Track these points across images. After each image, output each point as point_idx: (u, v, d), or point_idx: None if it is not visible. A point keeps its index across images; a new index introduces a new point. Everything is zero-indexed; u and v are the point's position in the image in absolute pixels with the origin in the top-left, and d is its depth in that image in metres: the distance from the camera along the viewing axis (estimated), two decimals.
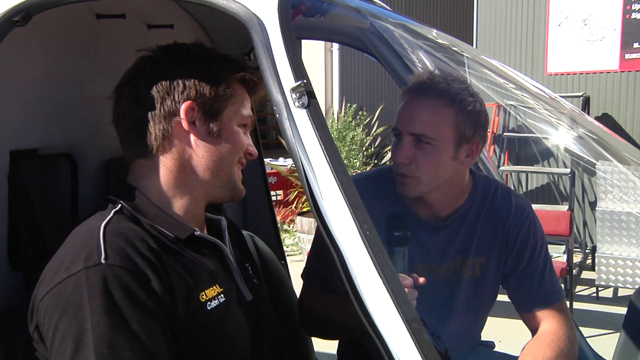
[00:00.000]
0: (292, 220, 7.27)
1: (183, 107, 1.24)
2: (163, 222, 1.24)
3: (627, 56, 6.05)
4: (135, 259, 1.13)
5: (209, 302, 1.22)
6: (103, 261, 1.09)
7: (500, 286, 1.86)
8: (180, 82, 1.24)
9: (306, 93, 1.12)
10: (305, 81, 1.12)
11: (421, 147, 1.64)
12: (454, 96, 1.64)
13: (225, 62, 1.31)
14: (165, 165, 1.27)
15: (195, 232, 1.27)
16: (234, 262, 1.36)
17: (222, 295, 1.26)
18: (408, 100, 1.70)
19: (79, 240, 1.15)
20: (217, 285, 1.26)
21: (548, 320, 1.73)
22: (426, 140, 1.63)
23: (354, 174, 3.15)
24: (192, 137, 1.26)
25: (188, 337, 1.17)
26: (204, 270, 1.26)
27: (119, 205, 1.23)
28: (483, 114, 1.69)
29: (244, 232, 1.70)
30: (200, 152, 1.27)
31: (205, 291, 1.23)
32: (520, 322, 1.82)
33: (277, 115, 1.14)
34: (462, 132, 1.65)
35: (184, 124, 1.25)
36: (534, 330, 1.75)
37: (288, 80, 1.13)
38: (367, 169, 5.93)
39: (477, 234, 1.78)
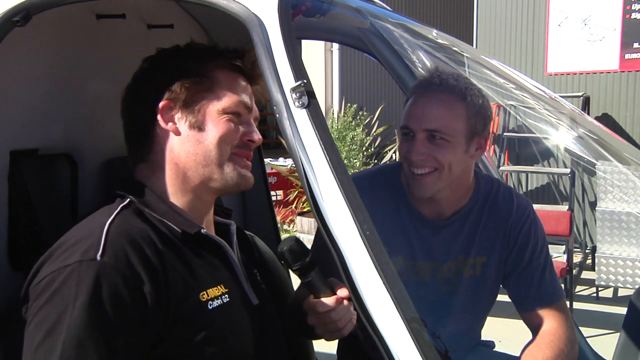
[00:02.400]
0: (292, 220, 7.27)
1: (159, 109, 1.27)
2: (171, 218, 1.26)
3: (627, 56, 6.05)
4: (133, 260, 1.13)
5: (210, 302, 1.22)
6: (99, 258, 1.10)
7: (501, 286, 1.86)
8: (156, 84, 1.29)
9: (306, 93, 1.12)
10: (305, 81, 1.12)
11: (435, 142, 1.65)
12: (465, 91, 1.67)
13: (202, 53, 1.31)
14: (162, 166, 1.29)
15: (202, 230, 1.28)
16: (240, 265, 1.36)
17: (226, 295, 1.26)
18: (418, 97, 1.70)
19: (84, 232, 1.17)
20: (221, 286, 1.26)
21: (548, 320, 1.73)
22: (440, 136, 1.64)
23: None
24: (177, 135, 1.28)
25: (185, 336, 1.17)
26: (207, 269, 1.27)
27: (127, 200, 1.24)
28: (489, 109, 1.73)
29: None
30: (187, 148, 1.27)
31: (208, 290, 1.23)
32: (521, 322, 1.82)
33: (277, 115, 1.14)
34: (474, 126, 1.68)
35: (163, 124, 1.27)
36: (534, 329, 1.76)
37: (288, 80, 1.14)
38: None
39: (478, 232, 1.78)
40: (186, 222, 1.27)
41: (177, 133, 1.27)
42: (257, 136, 1.31)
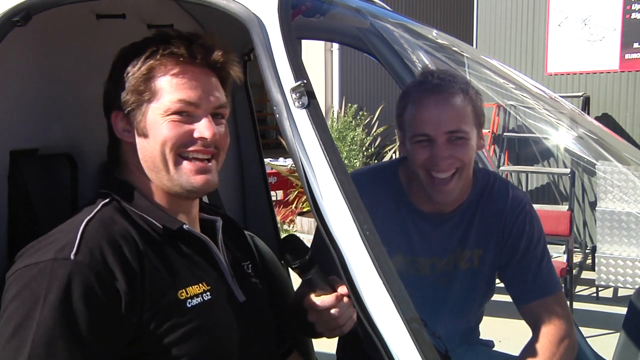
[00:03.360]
0: (292, 220, 7.28)
1: (112, 119, 1.28)
2: (153, 214, 1.25)
3: (627, 56, 6.05)
4: (108, 258, 1.12)
5: (189, 300, 1.21)
6: (72, 257, 1.09)
7: (502, 285, 1.86)
8: (109, 96, 1.28)
9: (306, 93, 1.12)
10: (305, 81, 1.12)
11: (456, 143, 1.65)
12: (466, 86, 1.68)
13: (145, 49, 1.25)
14: (133, 169, 1.29)
15: (184, 226, 1.27)
16: (226, 261, 1.35)
17: (207, 293, 1.25)
18: (425, 101, 1.66)
19: (62, 230, 1.17)
20: (203, 283, 1.25)
21: (544, 315, 1.72)
22: (460, 135, 1.64)
23: None
24: (132, 144, 1.27)
25: (162, 334, 1.17)
26: (189, 267, 1.26)
27: (109, 198, 1.24)
28: (481, 98, 1.74)
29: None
30: (140, 155, 1.26)
31: (187, 288, 1.22)
32: (520, 322, 1.82)
33: (277, 116, 1.14)
34: (479, 118, 1.69)
35: (117, 134, 1.28)
36: (531, 324, 1.76)
37: (288, 80, 1.14)
38: None
39: (475, 225, 1.79)
40: (169, 218, 1.26)
41: (131, 142, 1.27)
42: (208, 131, 1.23)
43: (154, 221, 1.24)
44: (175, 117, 1.22)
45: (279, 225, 2.40)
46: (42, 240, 1.16)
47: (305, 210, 7.08)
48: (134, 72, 1.24)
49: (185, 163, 1.24)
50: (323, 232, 1.09)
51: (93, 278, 1.09)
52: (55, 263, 1.09)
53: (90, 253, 1.11)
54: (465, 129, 1.64)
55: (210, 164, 1.27)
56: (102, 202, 1.23)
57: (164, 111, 1.22)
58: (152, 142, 1.23)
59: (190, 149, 1.24)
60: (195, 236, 1.30)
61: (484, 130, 1.75)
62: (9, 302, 1.09)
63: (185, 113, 1.23)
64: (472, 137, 1.66)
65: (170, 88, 1.23)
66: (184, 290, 1.21)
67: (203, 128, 1.23)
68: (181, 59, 1.23)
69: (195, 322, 1.20)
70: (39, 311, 1.05)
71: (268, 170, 3.00)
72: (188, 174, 1.24)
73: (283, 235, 1.61)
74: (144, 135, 1.24)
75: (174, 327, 1.18)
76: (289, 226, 7.36)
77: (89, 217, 1.18)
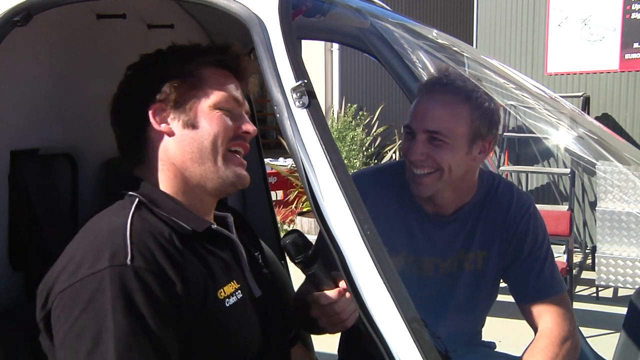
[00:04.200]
0: (292, 220, 7.28)
1: (150, 112, 1.27)
2: (180, 215, 1.25)
3: (627, 56, 6.05)
4: (160, 260, 1.12)
5: (227, 299, 1.23)
6: (129, 262, 1.09)
7: (503, 285, 1.86)
8: (144, 89, 1.28)
9: (307, 93, 1.12)
10: (305, 81, 1.12)
11: (435, 143, 1.64)
12: (471, 93, 1.66)
13: (185, 53, 1.31)
14: (159, 168, 1.28)
15: (212, 226, 1.28)
16: (245, 258, 1.36)
17: (239, 291, 1.27)
18: (423, 96, 1.69)
19: (103, 235, 1.14)
20: (234, 282, 1.27)
21: (546, 316, 1.72)
22: (440, 138, 1.64)
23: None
24: (171, 136, 1.27)
25: (204, 334, 1.17)
26: (221, 266, 1.27)
27: (137, 199, 1.22)
28: (497, 112, 1.71)
29: None
30: (183, 147, 1.27)
31: (224, 288, 1.24)
32: (521, 322, 1.82)
33: (278, 115, 1.14)
34: (477, 129, 1.67)
35: (156, 127, 1.27)
36: (533, 325, 1.75)
37: (288, 80, 1.14)
38: None
39: (479, 227, 1.79)
40: (195, 218, 1.27)
41: (171, 134, 1.27)
42: (251, 127, 1.32)
43: (181, 223, 1.24)
44: (223, 112, 1.29)
45: (279, 225, 2.40)
46: (84, 248, 1.14)
47: (305, 210, 7.09)
48: (179, 67, 1.28)
49: (232, 156, 1.30)
50: (323, 232, 1.09)
51: (152, 280, 1.10)
52: (113, 271, 1.08)
53: (143, 256, 1.11)
54: (447, 134, 1.63)
55: (244, 161, 1.33)
56: (134, 204, 1.21)
57: (214, 104, 1.28)
58: (203, 133, 1.26)
59: (237, 142, 1.30)
60: (224, 235, 1.32)
61: None
62: (77, 316, 1.07)
63: (230, 109, 1.30)
64: (456, 144, 1.64)
65: (218, 85, 1.30)
66: (222, 290, 1.23)
67: (248, 124, 1.32)
68: (223, 61, 1.32)
69: (233, 321, 1.23)
70: (111, 321, 1.05)
71: (268, 170, 3.01)
72: (234, 167, 1.30)
73: (283, 235, 1.61)
74: (192, 126, 1.27)
75: (216, 328, 1.19)
76: (289, 226, 7.36)
77: (130, 220, 1.16)
